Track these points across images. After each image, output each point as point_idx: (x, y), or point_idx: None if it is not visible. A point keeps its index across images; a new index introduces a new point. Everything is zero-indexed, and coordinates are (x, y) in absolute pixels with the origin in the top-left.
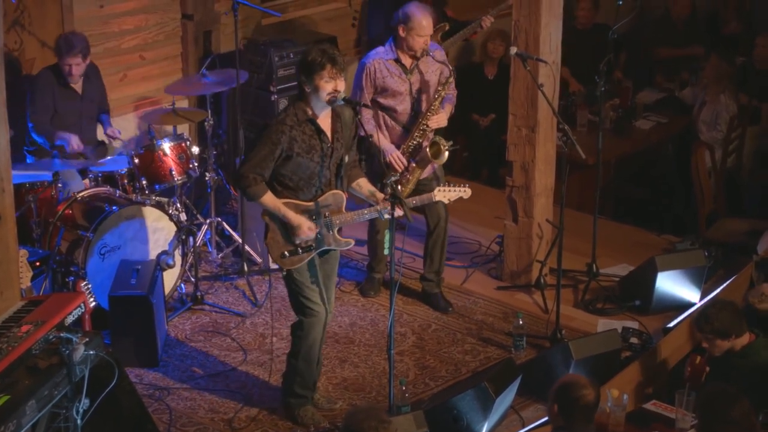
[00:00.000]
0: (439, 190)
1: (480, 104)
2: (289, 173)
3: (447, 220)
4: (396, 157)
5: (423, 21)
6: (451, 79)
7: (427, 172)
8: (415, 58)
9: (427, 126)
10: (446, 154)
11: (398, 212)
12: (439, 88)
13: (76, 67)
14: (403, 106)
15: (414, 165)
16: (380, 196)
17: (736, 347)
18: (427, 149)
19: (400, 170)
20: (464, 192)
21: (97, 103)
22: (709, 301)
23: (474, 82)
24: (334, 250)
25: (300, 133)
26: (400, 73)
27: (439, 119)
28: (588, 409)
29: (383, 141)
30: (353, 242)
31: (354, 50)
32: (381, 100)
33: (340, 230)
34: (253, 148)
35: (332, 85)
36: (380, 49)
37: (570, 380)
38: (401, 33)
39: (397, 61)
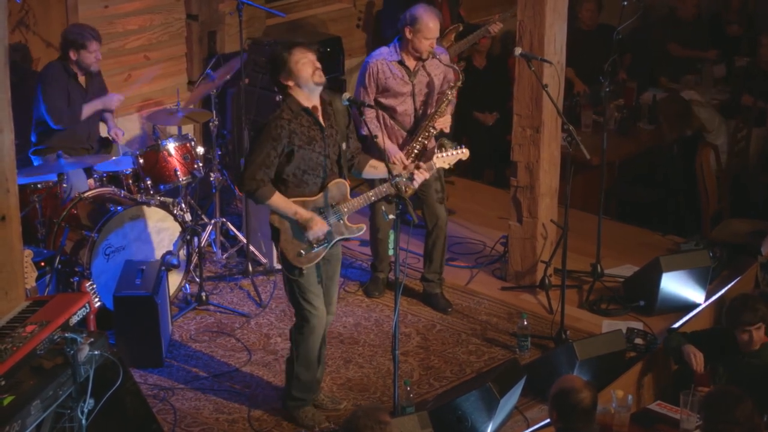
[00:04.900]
0: (438, 157)
1: (473, 96)
2: (293, 169)
3: (446, 220)
4: (399, 159)
5: (430, 23)
6: (460, 83)
7: None
8: (420, 60)
9: (434, 128)
10: None
11: (418, 178)
12: (448, 91)
13: (98, 53)
14: (404, 107)
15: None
16: (398, 167)
17: (756, 345)
18: (436, 150)
19: (403, 171)
20: (462, 153)
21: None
22: (736, 299)
23: (464, 74)
24: (346, 238)
25: (298, 125)
26: (402, 75)
27: (445, 121)
28: (587, 412)
29: (386, 143)
30: (365, 227)
31: (359, 50)
32: (382, 100)
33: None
34: (254, 150)
35: (309, 63)
36: (384, 49)
37: (566, 386)
38: (407, 35)
39: (401, 63)
